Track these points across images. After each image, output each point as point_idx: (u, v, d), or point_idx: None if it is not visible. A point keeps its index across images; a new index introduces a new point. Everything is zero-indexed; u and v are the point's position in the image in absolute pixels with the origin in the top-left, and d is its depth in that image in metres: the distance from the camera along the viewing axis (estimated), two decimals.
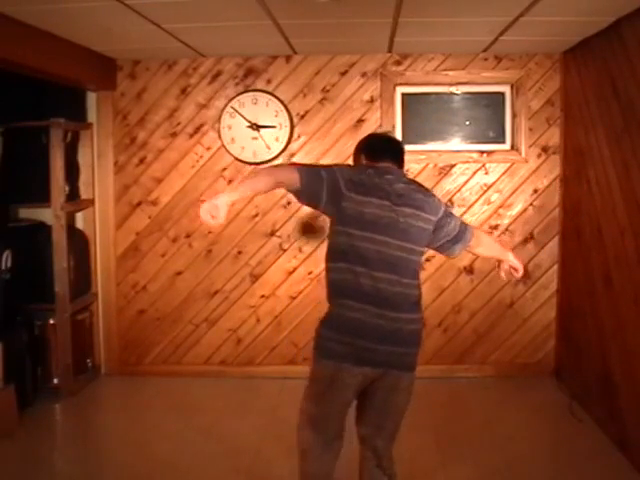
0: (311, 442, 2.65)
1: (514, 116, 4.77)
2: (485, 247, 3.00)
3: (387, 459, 2.74)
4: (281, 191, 4.84)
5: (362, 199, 2.54)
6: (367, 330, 2.53)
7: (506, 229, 4.84)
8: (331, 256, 2.62)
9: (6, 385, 4.00)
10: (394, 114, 4.81)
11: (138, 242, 4.98)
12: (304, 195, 2.57)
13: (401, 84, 4.80)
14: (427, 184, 4.75)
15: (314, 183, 2.53)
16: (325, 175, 2.55)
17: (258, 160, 4.83)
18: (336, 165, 2.68)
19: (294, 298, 4.94)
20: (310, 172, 2.55)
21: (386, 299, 2.54)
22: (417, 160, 4.81)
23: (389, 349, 2.56)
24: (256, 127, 4.80)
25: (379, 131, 4.63)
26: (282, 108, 4.79)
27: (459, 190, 4.83)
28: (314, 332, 2.65)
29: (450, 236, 2.77)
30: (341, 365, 2.54)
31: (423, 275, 4.80)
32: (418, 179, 4.80)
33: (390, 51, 4.68)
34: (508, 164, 4.79)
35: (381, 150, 2.79)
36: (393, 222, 2.56)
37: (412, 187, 2.70)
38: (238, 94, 4.82)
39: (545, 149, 4.76)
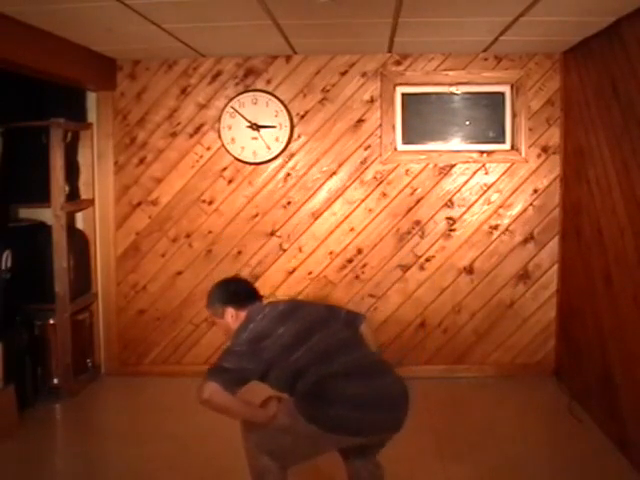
0: (271, 466, 2.63)
1: (514, 116, 4.77)
2: None
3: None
4: (281, 191, 4.87)
5: (276, 339, 2.59)
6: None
7: (506, 229, 4.84)
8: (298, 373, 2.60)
9: (6, 385, 4.00)
10: (394, 114, 4.81)
11: (138, 242, 4.98)
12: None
13: (401, 84, 4.80)
14: (427, 184, 4.83)
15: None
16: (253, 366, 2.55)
17: (258, 160, 4.83)
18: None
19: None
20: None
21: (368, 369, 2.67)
22: (417, 160, 4.81)
23: (387, 416, 2.59)
24: (256, 127, 4.80)
25: None
26: (282, 108, 4.79)
27: (459, 190, 4.83)
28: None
29: None
30: (339, 438, 2.53)
31: (423, 275, 4.86)
32: (418, 179, 4.83)
33: (390, 51, 4.68)
34: (508, 164, 4.79)
35: (246, 294, 2.82)
36: (308, 324, 2.68)
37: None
38: (238, 94, 4.82)
39: (545, 149, 4.76)
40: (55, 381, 4.54)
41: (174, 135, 4.88)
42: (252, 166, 4.87)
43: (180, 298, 5.00)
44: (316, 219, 4.88)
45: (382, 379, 2.61)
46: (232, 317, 2.76)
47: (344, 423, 2.47)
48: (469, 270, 4.87)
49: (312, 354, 2.58)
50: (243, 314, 2.75)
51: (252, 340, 2.59)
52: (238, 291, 2.84)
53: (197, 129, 4.88)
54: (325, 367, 2.54)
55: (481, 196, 4.82)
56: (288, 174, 4.87)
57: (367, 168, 4.83)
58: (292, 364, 2.56)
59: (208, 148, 4.88)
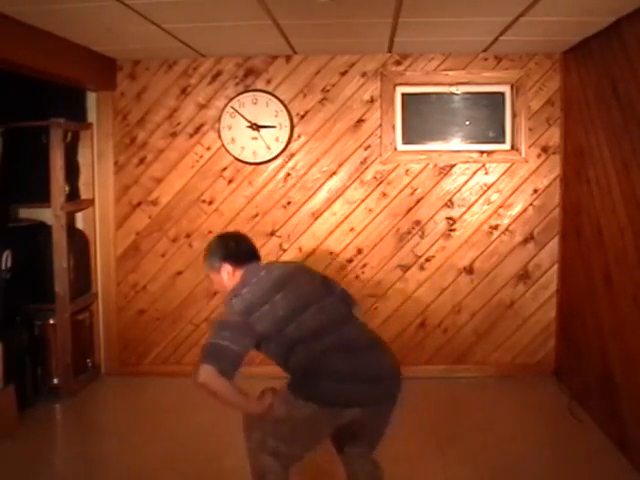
0: (272, 466, 2.62)
1: (514, 116, 4.77)
2: None
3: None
4: (281, 191, 4.87)
5: (269, 309, 2.57)
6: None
7: (506, 229, 4.84)
8: (291, 348, 2.60)
9: (6, 385, 4.00)
10: (394, 114, 4.81)
11: (138, 242, 4.98)
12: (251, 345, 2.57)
13: (401, 84, 4.80)
14: (427, 184, 4.83)
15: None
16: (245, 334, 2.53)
17: (258, 160, 4.83)
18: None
19: None
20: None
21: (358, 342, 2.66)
22: (417, 160, 4.82)
23: (380, 386, 2.62)
24: (256, 127, 4.80)
25: None
26: (282, 108, 4.79)
27: (459, 190, 4.83)
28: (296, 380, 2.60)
29: None
30: (340, 410, 2.54)
31: (423, 275, 4.86)
32: (418, 179, 4.83)
33: (390, 51, 4.68)
34: (508, 164, 4.79)
35: (246, 253, 2.78)
36: (300, 296, 2.66)
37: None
38: (238, 94, 4.82)
39: (545, 149, 4.76)
40: (55, 381, 4.54)
41: (174, 135, 4.89)
42: (252, 166, 4.87)
43: (180, 298, 5.00)
44: (316, 219, 4.88)
45: (373, 352, 2.65)
46: (228, 274, 2.73)
47: (338, 394, 2.50)
48: (469, 270, 4.87)
49: (305, 328, 2.58)
50: (239, 273, 2.72)
51: (245, 311, 2.55)
52: (238, 248, 2.79)
53: (197, 129, 4.88)
54: (317, 342, 2.55)
55: (481, 196, 4.82)
56: (288, 174, 4.87)
57: (367, 168, 4.83)
58: (285, 337, 2.56)
59: (208, 148, 4.88)
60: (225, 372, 2.44)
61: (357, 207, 4.86)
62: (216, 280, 2.81)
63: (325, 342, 2.57)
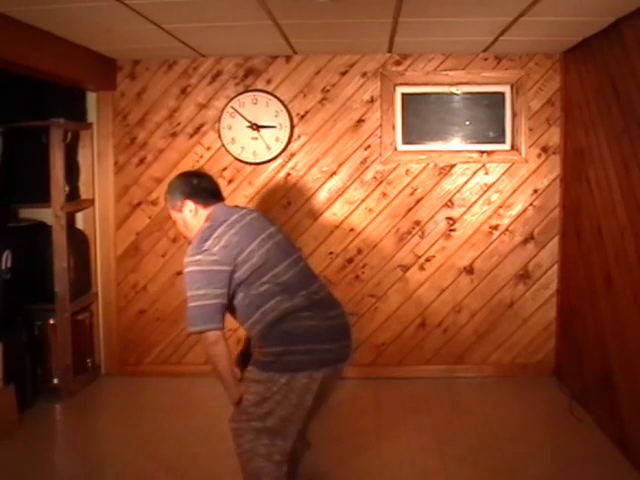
0: (266, 467, 2.62)
1: (514, 116, 4.77)
2: None
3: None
4: (281, 191, 4.87)
5: (246, 256, 2.56)
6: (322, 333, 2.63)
7: (506, 229, 4.84)
8: (262, 302, 2.60)
9: (6, 385, 4.00)
10: (394, 114, 4.81)
11: (138, 242, 4.98)
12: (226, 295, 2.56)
13: (401, 84, 4.80)
14: (427, 184, 4.83)
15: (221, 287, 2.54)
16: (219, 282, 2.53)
17: (258, 160, 4.83)
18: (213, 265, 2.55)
19: None
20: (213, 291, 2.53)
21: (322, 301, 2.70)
22: (417, 160, 4.82)
23: (342, 344, 2.68)
24: (256, 127, 4.80)
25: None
26: (282, 108, 4.79)
27: (459, 190, 4.83)
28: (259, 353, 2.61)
29: None
30: (311, 374, 2.56)
31: (423, 275, 4.86)
32: (418, 179, 4.83)
33: (390, 51, 4.68)
34: (508, 164, 4.79)
35: (210, 192, 2.73)
36: (277, 247, 2.65)
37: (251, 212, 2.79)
38: (238, 94, 4.82)
39: (545, 149, 4.76)
40: (55, 381, 4.54)
41: (174, 135, 4.89)
42: (252, 166, 4.87)
43: (180, 298, 4.98)
44: (316, 219, 4.88)
45: (337, 310, 2.74)
46: (190, 212, 2.68)
47: (317, 354, 2.57)
48: (469, 270, 4.87)
49: (279, 282, 2.59)
50: (204, 212, 2.67)
51: (223, 255, 2.53)
52: (201, 186, 2.72)
53: (197, 129, 4.88)
54: (289, 297, 2.57)
55: (481, 196, 4.82)
56: (288, 174, 4.87)
57: (367, 168, 4.83)
58: (258, 288, 2.56)
59: (208, 148, 4.89)
60: (220, 326, 2.52)
61: (357, 207, 4.86)
62: (179, 220, 2.73)
63: (297, 298, 2.58)
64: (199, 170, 3.11)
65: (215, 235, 2.57)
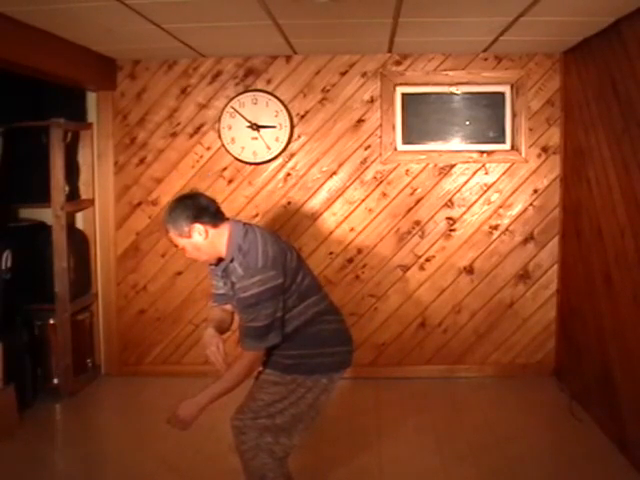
0: (270, 464, 2.64)
1: (514, 116, 4.77)
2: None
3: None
4: (281, 191, 4.87)
5: (288, 264, 2.60)
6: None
7: (506, 229, 4.84)
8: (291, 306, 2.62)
9: (6, 385, 4.00)
10: (394, 114, 4.81)
11: (138, 242, 4.98)
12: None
13: (401, 84, 4.80)
14: (427, 184, 4.83)
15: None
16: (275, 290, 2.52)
17: (258, 160, 4.83)
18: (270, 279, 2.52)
19: None
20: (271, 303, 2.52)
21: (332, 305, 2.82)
22: (417, 160, 4.82)
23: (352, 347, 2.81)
24: (256, 127, 4.80)
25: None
26: (282, 108, 4.79)
27: (459, 190, 4.83)
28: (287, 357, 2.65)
29: None
30: (332, 375, 2.66)
31: (423, 275, 4.86)
32: (418, 179, 4.84)
33: (390, 51, 4.68)
34: (508, 164, 4.79)
35: (217, 209, 2.62)
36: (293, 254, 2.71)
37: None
38: (238, 94, 4.82)
39: (545, 149, 4.76)
40: (55, 381, 4.55)
41: (174, 135, 4.89)
42: (252, 166, 4.87)
43: (180, 298, 5.00)
44: (316, 219, 4.89)
45: (342, 315, 2.83)
46: (201, 235, 2.53)
47: (341, 356, 2.70)
48: (469, 270, 4.87)
49: (301, 289, 2.63)
50: (215, 232, 2.55)
51: (277, 260, 2.52)
52: (202, 206, 2.56)
53: (197, 129, 4.88)
54: (309, 303, 2.64)
55: (481, 196, 4.82)
56: (288, 174, 4.87)
57: (367, 168, 4.83)
58: (294, 291, 2.60)
59: (208, 148, 4.88)
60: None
61: (357, 207, 4.86)
62: (189, 245, 2.59)
63: (313, 304, 2.65)
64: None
65: (260, 251, 2.52)
